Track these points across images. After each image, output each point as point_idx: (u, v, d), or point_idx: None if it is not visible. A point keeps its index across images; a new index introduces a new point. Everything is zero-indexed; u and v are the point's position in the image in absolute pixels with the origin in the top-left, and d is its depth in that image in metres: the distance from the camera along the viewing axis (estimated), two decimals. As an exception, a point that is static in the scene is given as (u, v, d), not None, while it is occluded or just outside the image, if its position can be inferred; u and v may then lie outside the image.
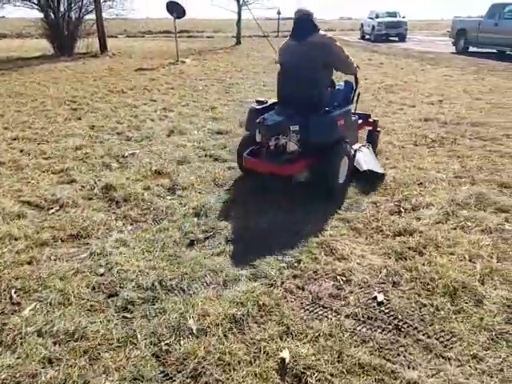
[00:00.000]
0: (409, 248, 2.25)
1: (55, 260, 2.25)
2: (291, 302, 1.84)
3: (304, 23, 3.04)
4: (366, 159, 3.25)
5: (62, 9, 13.59)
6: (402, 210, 2.69)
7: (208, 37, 24.78)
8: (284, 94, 3.16)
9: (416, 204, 2.76)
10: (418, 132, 4.46)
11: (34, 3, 13.49)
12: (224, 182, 3.29)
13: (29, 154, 3.98)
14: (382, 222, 2.55)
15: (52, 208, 2.87)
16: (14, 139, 4.45)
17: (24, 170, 3.56)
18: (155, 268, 2.15)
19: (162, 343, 1.65)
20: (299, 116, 2.86)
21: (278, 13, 23.86)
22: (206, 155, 3.94)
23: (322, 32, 3.06)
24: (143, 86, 7.69)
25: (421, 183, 3.10)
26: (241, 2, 18.09)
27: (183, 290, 1.97)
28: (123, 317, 1.82)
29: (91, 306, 1.88)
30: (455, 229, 2.44)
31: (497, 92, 6.73)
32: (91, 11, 13.92)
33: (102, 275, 2.12)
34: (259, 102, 3.32)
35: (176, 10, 10.94)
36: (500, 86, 7.30)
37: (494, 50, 12.45)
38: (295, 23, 3.11)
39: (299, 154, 2.88)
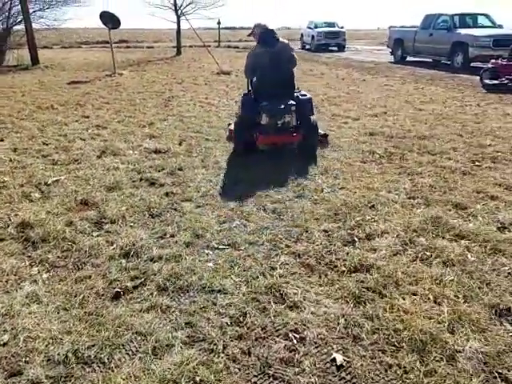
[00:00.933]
0: (367, 288, 2.02)
1: None
2: (235, 373, 1.54)
3: (271, 34, 4.23)
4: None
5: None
6: (356, 240, 2.50)
7: (148, 47, 24.03)
8: (268, 86, 4.11)
9: (370, 232, 2.57)
10: (365, 147, 4.40)
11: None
12: (160, 211, 2.94)
13: None
14: (335, 255, 2.33)
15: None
16: None
17: None
18: (71, 332, 1.77)
19: None
20: (289, 99, 4.04)
21: (218, 23, 23.84)
22: (140, 179, 3.57)
23: (281, 39, 4.31)
24: (76, 101, 7.09)
25: (373, 206, 2.96)
26: (179, 13, 17.75)
27: (103, 363, 1.61)
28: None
29: (-16, 394, 1.48)
30: (415, 261, 2.27)
31: (438, 102, 6.99)
32: (20, 21, 12.85)
33: (4, 345, 1.71)
34: (246, 94, 4.38)
35: (111, 21, 10.37)
36: (440, 95, 7.62)
37: (430, 60, 13.16)
38: (264, 35, 4.23)
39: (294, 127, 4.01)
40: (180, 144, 4.62)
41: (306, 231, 2.64)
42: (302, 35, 23.77)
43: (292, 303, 1.93)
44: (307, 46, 22.25)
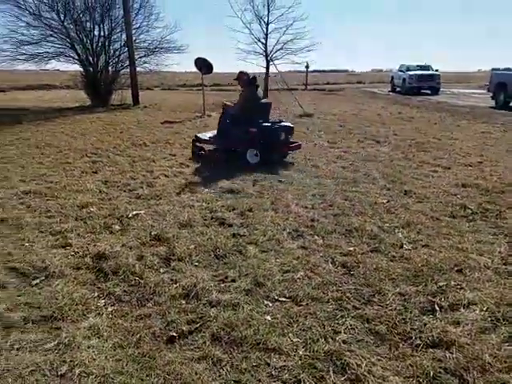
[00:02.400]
0: (445, 370, 1.74)
1: (18, 350, 1.95)
2: None
3: (255, 80, 6.04)
4: None
5: (100, 63, 14.54)
6: (437, 309, 2.21)
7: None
8: (260, 114, 5.95)
9: (455, 301, 2.26)
10: (455, 201, 4.00)
11: (75, 58, 14.51)
12: (225, 252, 2.95)
13: (34, 211, 3.85)
14: (410, 325, 2.07)
15: (37, 278, 2.63)
16: (27, 193, 4.37)
17: (23, 230, 3.39)
18: (122, 373, 1.79)
19: None
20: (280, 122, 6.06)
21: (307, 66, 24.60)
22: (212, 218, 3.66)
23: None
24: (166, 140, 7.74)
25: (460, 270, 2.62)
26: (268, 58, 18.84)
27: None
28: None
29: (33, 426, 1.53)
30: (508, 342, 1.92)
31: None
32: (127, 66, 14.80)
33: (61, 376, 1.79)
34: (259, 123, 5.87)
35: (204, 66, 11.35)
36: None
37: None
38: (254, 79, 6.03)
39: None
40: (253, 185, 4.70)
41: (379, 292, 2.40)
42: (392, 78, 23.64)
43: (354, 376, 1.73)
44: (397, 89, 22.02)
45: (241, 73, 6.11)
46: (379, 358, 1.86)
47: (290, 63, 23.65)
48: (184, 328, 2.11)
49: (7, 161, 5.87)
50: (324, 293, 2.40)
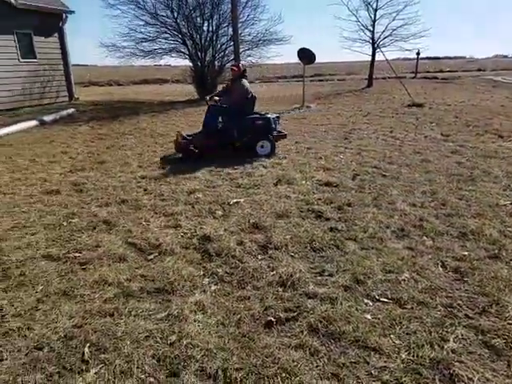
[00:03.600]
0: None
1: (135, 316, 2.22)
2: None
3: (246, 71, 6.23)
4: None
5: (207, 58, 15.46)
6: None
7: (339, 80, 25.07)
8: (252, 106, 6.04)
9: None
10: None
11: (186, 54, 15.66)
12: (321, 246, 2.94)
13: (150, 194, 4.31)
14: (535, 342, 1.84)
15: (152, 254, 2.95)
16: (143, 178, 4.91)
17: (140, 210, 3.82)
18: (224, 349, 1.93)
19: None
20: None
21: (418, 53, 22.73)
22: (308, 210, 3.67)
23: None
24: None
25: None
26: (375, 46, 17.87)
27: (249, 393, 1.69)
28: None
29: (150, 383, 1.74)
30: None
31: None
32: (232, 60, 15.45)
33: (170, 345, 1.99)
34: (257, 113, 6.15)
35: (306, 57, 11.31)
36: None
37: None
38: (245, 71, 6.14)
39: None
40: (353, 178, 4.57)
41: (497, 303, 2.16)
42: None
43: (463, 391, 1.59)
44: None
45: (236, 65, 6.22)
46: (494, 373, 1.68)
47: (399, 50, 22.17)
48: (281, 315, 2.17)
49: (127, 148, 6.63)
50: (432, 297, 2.25)
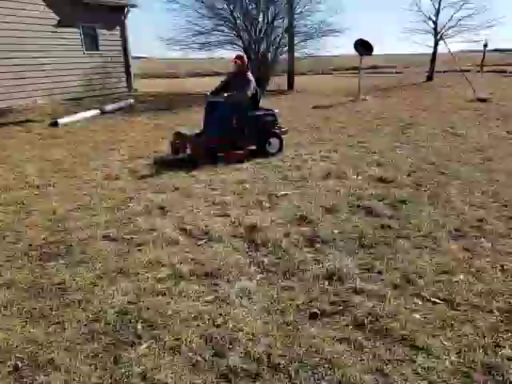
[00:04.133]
0: None
1: (185, 297, 2.33)
2: None
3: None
4: None
5: (261, 50, 15.53)
6: None
7: (397, 72, 24.09)
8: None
9: None
10: None
11: (241, 46, 15.84)
12: (371, 242, 2.89)
13: (201, 183, 4.45)
14: None
15: (201, 239, 3.07)
16: (194, 167, 5.07)
17: (192, 198, 3.97)
18: (268, 335, 1.98)
19: None
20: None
21: (485, 45, 21.15)
22: (358, 206, 3.61)
23: None
24: (315, 124, 7.86)
25: None
26: (438, 37, 16.91)
27: (289, 376, 1.72)
28: (221, 387, 1.70)
29: (196, 361, 1.84)
30: None
31: None
32: (285, 52, 15.41)
33: (217, 326, 2.08)
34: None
35: (364, 48, 10.99)
36: None
37: None
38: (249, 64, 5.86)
39: None
40: (408, 175, 4.42)
41: None
42: None
43: None
44: None
45: (240, 57, 5.69)
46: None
47: (464, 42, 20.83)
48: (326, 308, 2.18)
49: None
50: (488, 301, 2.14)
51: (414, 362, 1.75)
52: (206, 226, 3.25)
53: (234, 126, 5.35)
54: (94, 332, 2.02)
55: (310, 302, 2.25)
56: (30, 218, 3.45)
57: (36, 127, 7.91)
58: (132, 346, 1.93)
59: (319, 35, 15.70)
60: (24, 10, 10.49)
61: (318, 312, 2.15)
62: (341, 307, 2.17)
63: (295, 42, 15.33)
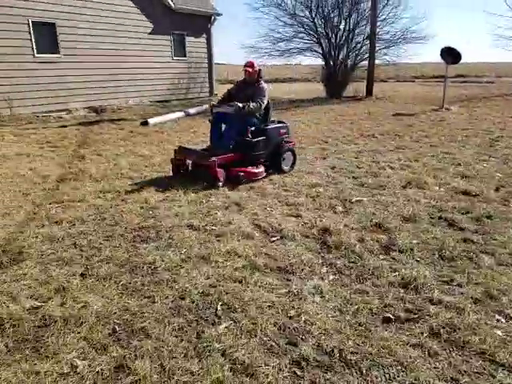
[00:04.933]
0: None
1: (259, 287, 2.47)
2: None
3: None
4: None
5: (340, 57, 15.44)
6: None
7: (487, 82, 22.28)
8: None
9: None
10: None
11: (320, 53, 15.90)
12: (452, 255, 2.79)
13: (274, 184, 4.60)
14: None
15: (274, 237, 3.20)
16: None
17: (266, 198, 4.14)
18: (341, 332, 2.03)
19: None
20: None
21: None
22: (439, 217, 3.48)
23: None
24: (395, 132, 7.64)
25: None
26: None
27: (361, 372, 1.77)
28: (294, 372, 1.80)
29: (271, 346, 1.96)
30: None
31: None
32: (365, 58, 15.13)
33: (290, 317, 2.18)
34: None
35: (450, 56, 10.42)
36: None
37: None
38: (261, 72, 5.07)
39: None
40: (497, 190, 4.14)
41: None
42: None
43: None
44: None
45: (250, 65, 4.95)
46: None
47: None
48: (401, 314, 2.17)
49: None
50: None
51: (494, 376, 1.69)
52: (279, 225, 3.38)
53: (247, 140, 4.72)
54: (179, 308, 2.24)
55: (384, 306, 2.25)
56: (126, 204, 3.86)
57: (128, 125, 8.72)
58: (213, 325, 2.11)
59: (402, 42, 15.20)
60: (126, 19, 11.63)
61: (392, 317, 2.15)
62: (416, 315, 2.15)
63: (376, 48, 14.98)
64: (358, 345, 1.94)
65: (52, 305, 2.25)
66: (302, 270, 2.68)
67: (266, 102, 4.93)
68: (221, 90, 17.36)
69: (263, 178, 4.74)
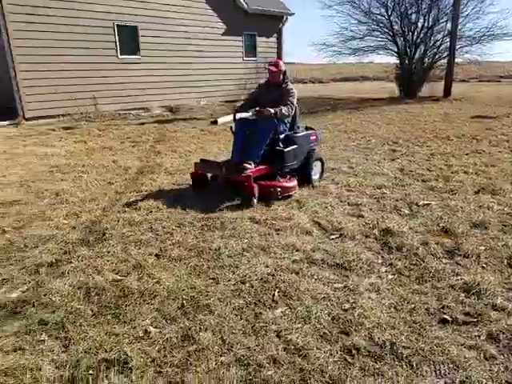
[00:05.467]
0: None
1: (315, 280, 2.60)
2: None
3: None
4: None
5: (417, 55, 14.82)
6: None
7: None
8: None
9: None
10: None
11: (394, 51, 15.40)
12: (523, 265, 2.68)
13: (337, 184, 4.66)
14: None
15: (333, 234, 3.29)
16: (332, 169, 5.31)
17: (328, 197, 4.22)
18: (394, 327, 2.10)
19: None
20: None
21: None
22: (515, 225, 3.32)
23: None
24: (473, 135, 7.23)
25: None
26: None
27: (411, 365, 1.83)
28: (344, 358, 1.91)
29: (324, 333, 2.08)
30: None
31: None
32: (444, 57, 14.35)
33: (344, 310, 2.28)
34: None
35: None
36: None
37: None
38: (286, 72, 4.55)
39: None
40: None
41: None
42: None
43: None
44: None
45: (275, 63, 4.49)
46: None
47: None
48: (459, 316, 2.17)
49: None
50: None
51: (555, 385, 1.66)
52: (338, 223, 3.46)
53: (279, 150, 4.25)
54: (240, 291, 2.45)
55: (442, 308, 2.27)
56: (196, 196, 4.20)
57: (199, 124, 9.26)
58: (269, 308, 2.29)
59: (488, 39, 14.16)
60: (201, 21, 12.29)
61: (450, 319, 2.16)
62: (475, 319, 2.14)
63: (457, 46, 14.13)
64: (411, 340, 1.99)
65: (130, 279, 2.59)
66: (360, 267, 2.75)
67: (295, 105, 4.49)
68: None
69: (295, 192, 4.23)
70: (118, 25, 10.52)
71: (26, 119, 9.10)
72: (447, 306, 2.27)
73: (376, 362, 1.87)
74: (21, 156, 6.12)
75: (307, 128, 4.88)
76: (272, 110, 4.14)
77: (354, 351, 1.95)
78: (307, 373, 1.81)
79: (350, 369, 1.84)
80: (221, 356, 1.92)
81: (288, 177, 4.30)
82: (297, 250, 2.98)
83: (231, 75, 13.58)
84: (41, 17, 9.06)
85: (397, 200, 4.06)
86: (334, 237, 3.24)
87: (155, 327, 2.14)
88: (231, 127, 4.52)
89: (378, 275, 2.66)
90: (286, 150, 4.26)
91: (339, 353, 1.94)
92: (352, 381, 1.77)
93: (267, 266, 2.74)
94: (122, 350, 1.95)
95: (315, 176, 4.70)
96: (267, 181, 4.11)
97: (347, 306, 2.32)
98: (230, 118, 9.56)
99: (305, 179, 4.53)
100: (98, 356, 1.92)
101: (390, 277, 2.65)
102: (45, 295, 2.42)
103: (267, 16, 14.25)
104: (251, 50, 14.26)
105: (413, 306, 2.29)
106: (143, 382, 1.77)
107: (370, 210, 3.81)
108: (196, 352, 1.95)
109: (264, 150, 4.20)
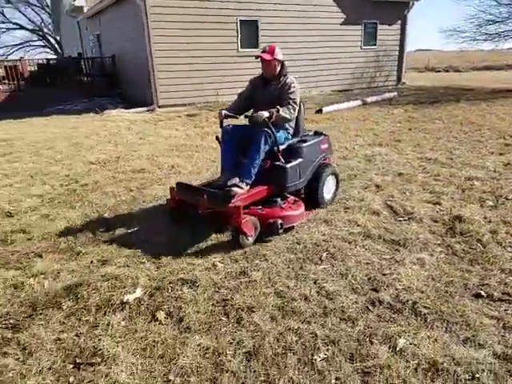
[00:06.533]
0: None
1: (365, 249, 2.91)
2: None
3: None
4: None
5: None
6: None
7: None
8: None
9: None
10: None
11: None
12: None
13: (427, 173, 4.68)
14: None
15: (402, 218, 3.48)
16: (429, 159, 5.27)
17: (411, 184, 4.31)
18: (422, 292, 2.35)
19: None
20: None
21: None
22: None
23: None
24: None
25: None
26: None
27: (425, 319, 2.11)
28: (366, 307, 2.25)
29: (355, 287, 2.44)
30: None
31: None
32: None
33: (383, 274, 2.58)
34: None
35: None
36: None
37: None
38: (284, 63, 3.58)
39: None
40: None
41: None
42: None
43: None
44: None
45: (270, 50, 3.39)
46: None
47: None
48: (496, 294, 2.31)
49: (428, 131, 7.01)
50: None
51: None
52: (411, 208, 3.61)
53: (279, 165, 3.32)
54: (294, 249, 2.94)
55: (482, 285, 2.40)
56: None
57: (307, 113, 9.72)
58: (315, 265, 2.72)
59: None
60: (320, 12, 12.66)
61: (484, 294, 2.30)
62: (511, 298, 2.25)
63: None
64: (435, 304, 2.23)
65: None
66: (414, 245, 2.96)
67: (298, 104, 3.51)
68: (414, 79, 16.66)
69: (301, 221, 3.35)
70: (240, 20, 11.56)
71: (159, 106, 10.80)
72: (487, 284, 2.40)
73: (393, 313, 2.18)
74: (151, 136, 7.48)
75: (316, 133, 3.90)
76: (266, 114, 3.18)
77: (377, 303, 2.27)
78: (329, 310, 2.23)
79: (367, 314, 2.18)
80: (265, 288, 2.45)
81: (292, 200, 3.39)
82: (358, 225, 3.30)
83: (347, 64, 13.63)
84: (176, 21, 10.58)
85: (484, 192, 3.99)
86: (401, 219, 3.44)
87: (221, 263, 2.77)
88: (217, 137, 3.63)
89: (430, 253, 2.85)
90: (289, 166, 3.32)
91: (363, 302, 2.29)
92: (365, 321, 2.12)
93: (324, 234, 3.15)
94: (195, 275, 2.62)
95: (327, 195, 3.73)
96: (266, 206, 3.21)
97: (387, 271, 2.61)
98: (337, 106, 9.84)
99: (312, 199, 3.62)
100: (178, 276, 2.63)
101: (441, 256, 2.81)
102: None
103: (391, 3, 13.83)
104: (371, 38, 14.02)
105: (451, 279, 2.48)
106: (204, 295, 2.41)
107: (452, 198, 3.85)
108: (247, 283, 2.51)
109: (260, 166, 3.29)
